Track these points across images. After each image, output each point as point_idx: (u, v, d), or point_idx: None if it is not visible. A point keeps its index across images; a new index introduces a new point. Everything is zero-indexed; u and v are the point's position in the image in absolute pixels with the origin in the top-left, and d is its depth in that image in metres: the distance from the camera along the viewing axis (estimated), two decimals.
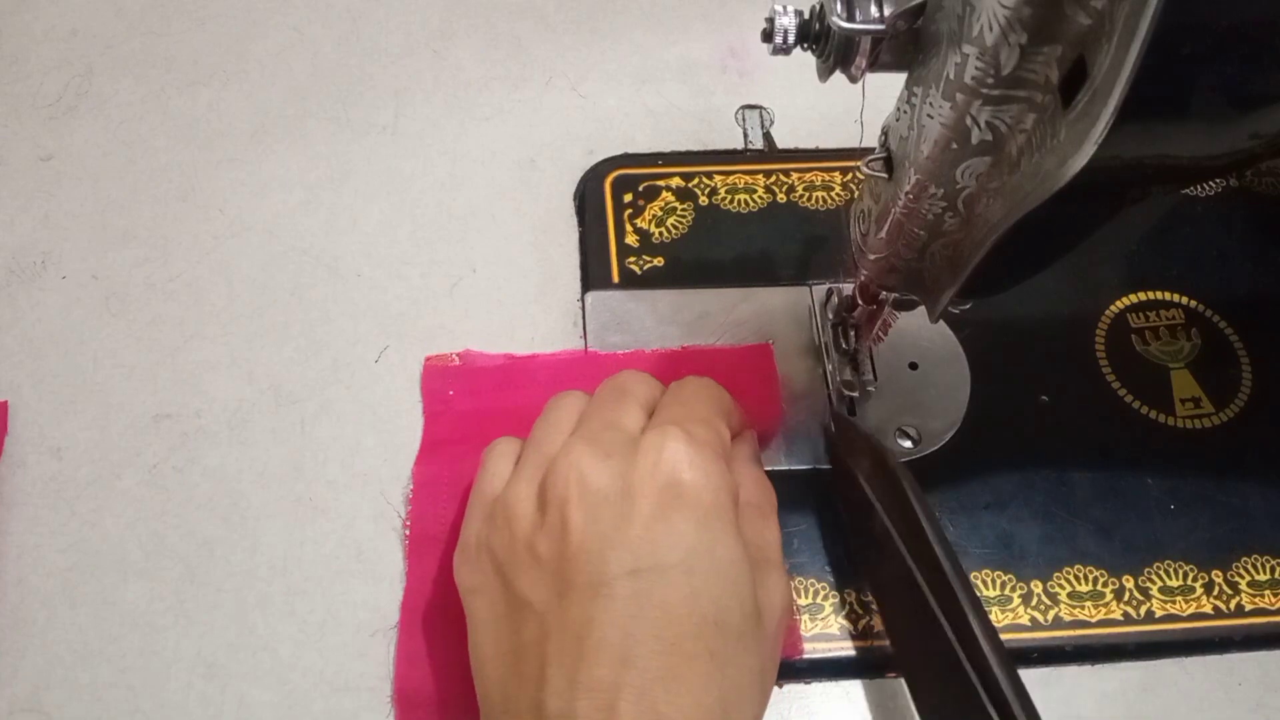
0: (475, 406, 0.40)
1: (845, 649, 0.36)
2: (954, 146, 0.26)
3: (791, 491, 0.38)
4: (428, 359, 0.41)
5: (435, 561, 0.36)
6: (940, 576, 0.30)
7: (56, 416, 0.40)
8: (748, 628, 0.28)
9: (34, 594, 0.36)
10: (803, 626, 0.36)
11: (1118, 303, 0.43)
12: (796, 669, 0.35)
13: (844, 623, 0.36)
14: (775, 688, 0.35)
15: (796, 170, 0.46)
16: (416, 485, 0.38)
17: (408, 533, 0.37)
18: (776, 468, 0.39)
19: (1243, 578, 0.37)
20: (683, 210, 0.45)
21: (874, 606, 0.36)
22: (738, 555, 0.29)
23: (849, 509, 0.37)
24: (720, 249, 0.44)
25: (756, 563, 0.30)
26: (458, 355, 0.41)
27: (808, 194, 0.46)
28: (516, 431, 0.35)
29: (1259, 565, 0.37)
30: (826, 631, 0.36)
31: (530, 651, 0.28)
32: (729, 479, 0.30)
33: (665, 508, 0.28)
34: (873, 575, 0.36)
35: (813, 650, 0.35)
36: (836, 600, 0.36)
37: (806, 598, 0.36)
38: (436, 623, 0.35)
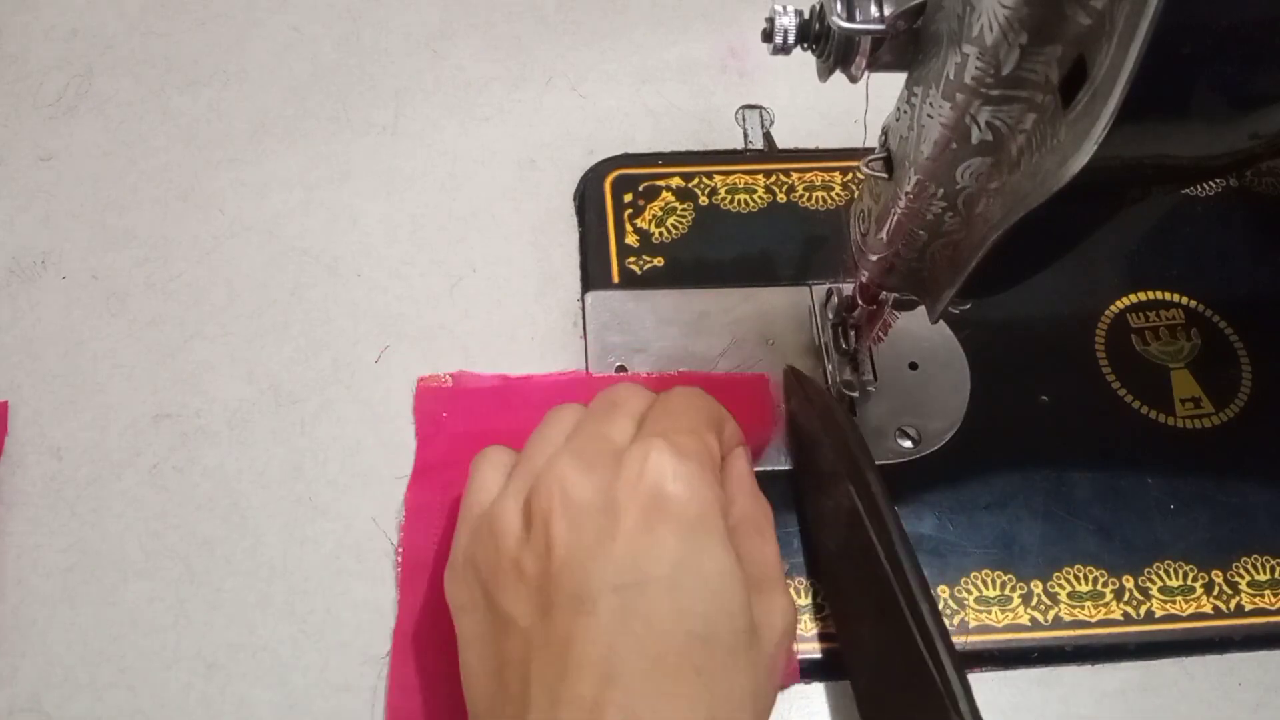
0: (469, 429, 0.39)
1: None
2: (954, 146, 0.26)
3: (793, 492, 0.38)
4: (421, 380, 0.40)
5: (426, 587, 0.36)
6: (885, 536, 0.30)
7: (56, 416, 0.40)
8: (739, 644, 0.28)
9: (34, 594, 0.36)
10: (803, 626, 0.36)
11: (1118, 303, 0.43)
12: (798, 668, 0.35)
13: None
14: None
15: (796, 170, 0.46)
16: (409, 511, 0.37)
17: (400, 559, 0.37)
18: (777, 467, 0.39)
19: (1243, 578, 0.37)
20: (683, 210, 0.45)
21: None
22: (727, 568, 0.28)
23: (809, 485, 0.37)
24: (720, 249, 0.44)
25: (755, 581, 0.29)
26: (450, 376, 0.40)
27: (808, 194, 0.46)
28: None
29: (1259, 565, 0.37)
30: (828, 631, 0.36)
31: (514, 669, 0.28)
32: (717, 490, 0.30)
33: (649, 520, 0.28)
34: (822, 547, 0.36)
35: (814, 650, 0.35)
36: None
37: (806, 598, 0.36)
38: (428, 649, 0.35)
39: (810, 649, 0.35)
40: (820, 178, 0.46)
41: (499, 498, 0.31)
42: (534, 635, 0.28)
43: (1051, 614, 0.36)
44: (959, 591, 0.36)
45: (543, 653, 0.27)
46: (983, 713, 0.28)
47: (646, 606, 0.27)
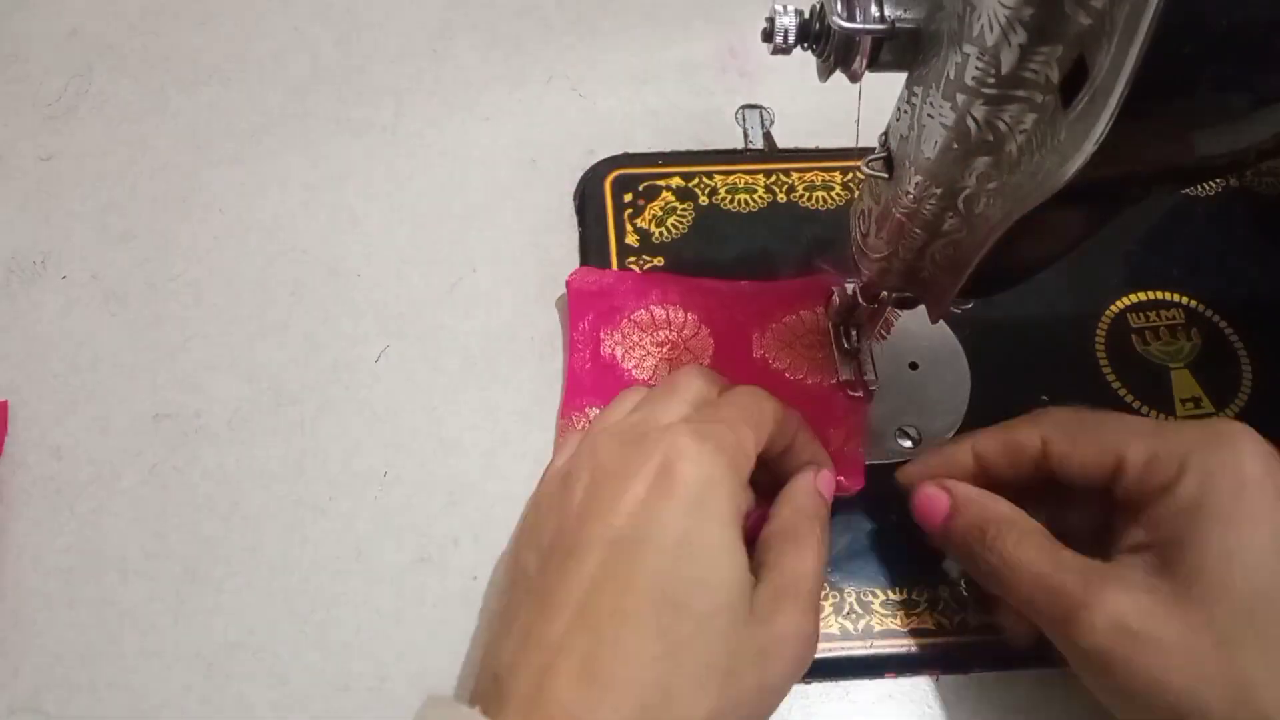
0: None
1: (845, 649, 0.36)
2: (954, 146, 0.26)
3: None
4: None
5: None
6: None
7: (56, 416, 0.40)
8: (716, 619, 0.28)
9: (34, 594, 0.36)
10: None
11: (1118, 303, 0.43)
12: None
13: (844, 623, 0.36)
14: None
15: (796, 170, 0.46)
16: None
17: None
18: None
19: None
20: (683, 210, 0.45)
21: (874, 606, 0.36)
22: (719, 546, 0.29)
23: None
24: (720, 249, 0.44)
25: (777, 589, 0.30)
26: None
27: (808, 194, 0.46)
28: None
29: None
30: (827, 631, 0.36)
31: (510, 613, 0.30)
32: (729, 479, 0.30)
33: (656, 492, 0.29)
34: None
35: (821, 650, 0.35)
36: (836, 600, 0.36)
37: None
38: None
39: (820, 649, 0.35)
40: (820, 178, 0.46)
41: (552, 461, 0.35)
42: (533, 582, 0.30)
43: None
44: (959, 591, 0.36)
45: (530, 597, 0.29)
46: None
47: (629, 563, 0.28)
